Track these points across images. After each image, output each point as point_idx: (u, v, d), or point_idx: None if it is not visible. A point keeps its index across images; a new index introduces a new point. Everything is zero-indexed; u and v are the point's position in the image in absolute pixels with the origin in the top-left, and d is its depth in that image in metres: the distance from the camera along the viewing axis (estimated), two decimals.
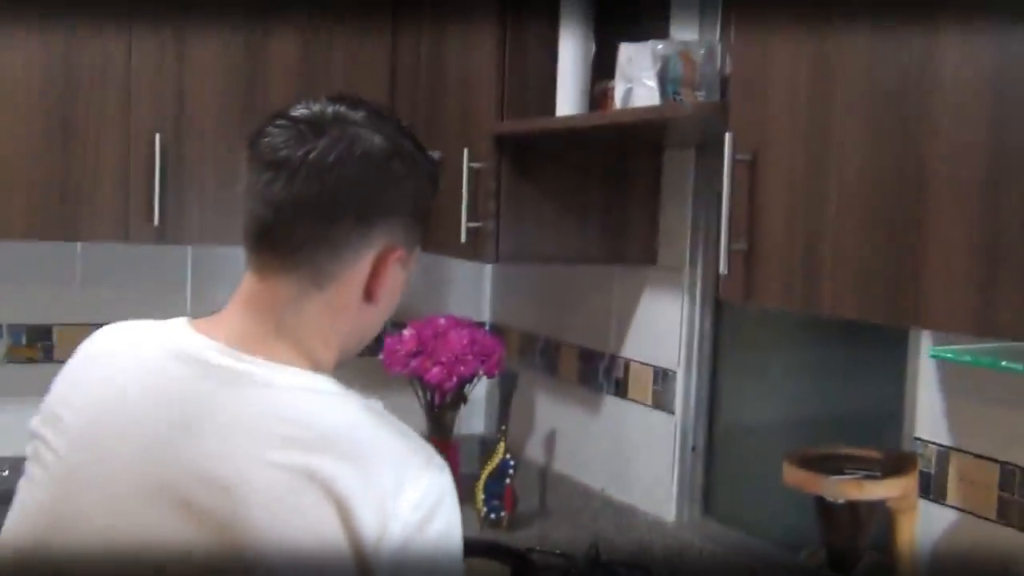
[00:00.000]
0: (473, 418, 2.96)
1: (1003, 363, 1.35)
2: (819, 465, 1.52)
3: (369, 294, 1.15)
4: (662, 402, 2.29)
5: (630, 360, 2.40)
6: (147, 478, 1.06)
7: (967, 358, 1.40)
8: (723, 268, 1.46)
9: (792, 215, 1.39)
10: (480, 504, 2.51)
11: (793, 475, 1.52)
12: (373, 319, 1.20)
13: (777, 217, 1.41)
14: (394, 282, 1.18)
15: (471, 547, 2.09)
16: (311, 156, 1.10)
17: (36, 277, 2.51)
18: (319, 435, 1.05)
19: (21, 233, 2.15)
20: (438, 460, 1.09)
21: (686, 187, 2.23)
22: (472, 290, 2.99)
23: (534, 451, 2.74)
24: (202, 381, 1.10)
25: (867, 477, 1.48)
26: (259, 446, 1.04)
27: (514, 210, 2.16)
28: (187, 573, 1.03)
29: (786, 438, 2.15)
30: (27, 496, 1.15)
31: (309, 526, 1.01)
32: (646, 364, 2.35)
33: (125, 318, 1.22)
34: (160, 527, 1.04)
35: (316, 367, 1.14)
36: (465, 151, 2.16)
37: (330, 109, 1.13)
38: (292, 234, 1.11)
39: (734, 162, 1.44)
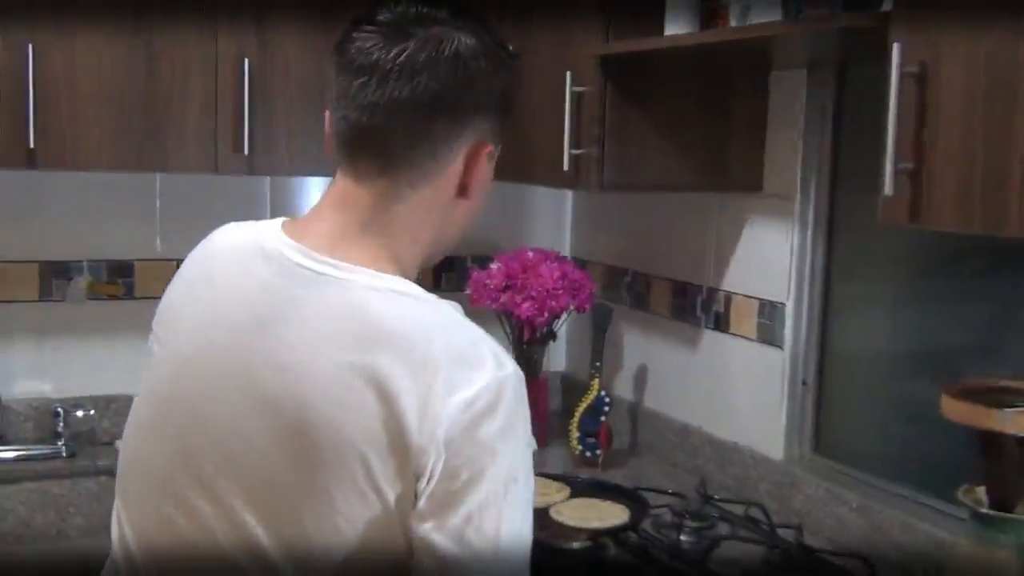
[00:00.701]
0: (557, 355, 2.89)
1: None
2: (981, 398, 1.44)
3: (463, 189, 1.17)
4: (769, 336, 2.21)
5: (731, 293, 2.32)
6: (234, 368, 1.12)
7: None
8: (887, 188, 1.36)
9: (971, 130, 1.29)
10: (575, 442, 2.44)
11: (954, 409, 1.44)
12: (464, 216, 1.21)
13: (953, 132, 1.31)
14: (485, 177, 1.19)
15: (580, 486, 2.02)
16: (401, 58, 1.11)
17: (116, 212, 2.44)
18: (381, 334, 1.07)
19: (108, 164, 2.07)
20: (503, 359, 1.09)
21: (796, 110, 2.12)
22: (552, 222, 2.90)
23: (623, 388, 2.66)
24: (281, 279, 1.13)
25: None
26: (327, 343, 1.08)
27: (619, 136, 2.06)
28: (261, 460, 1.09)
29: (902, 371, 2.07)
30: (147, 387, 1.22)
31: (359, 420, 1.05)
32: (750, 297, 2.26)
33: None
34: (242, 412, 1.10)
35: (399, 265, 1.15)
36: (568, 74, 2.06)
37: (413, 10, 1.13)
38: (389, 136, 1.13)
39: (901, 74, 1.34)
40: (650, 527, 2.01)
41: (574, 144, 2.06)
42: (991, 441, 1.42)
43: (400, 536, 1.07)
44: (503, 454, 1.06)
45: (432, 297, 1.13)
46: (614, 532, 1.89)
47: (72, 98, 2.04)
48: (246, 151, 2.13)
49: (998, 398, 1.44)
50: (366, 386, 1.05)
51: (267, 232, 1.19)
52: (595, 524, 1.87)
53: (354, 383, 1.05)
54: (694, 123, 2.13)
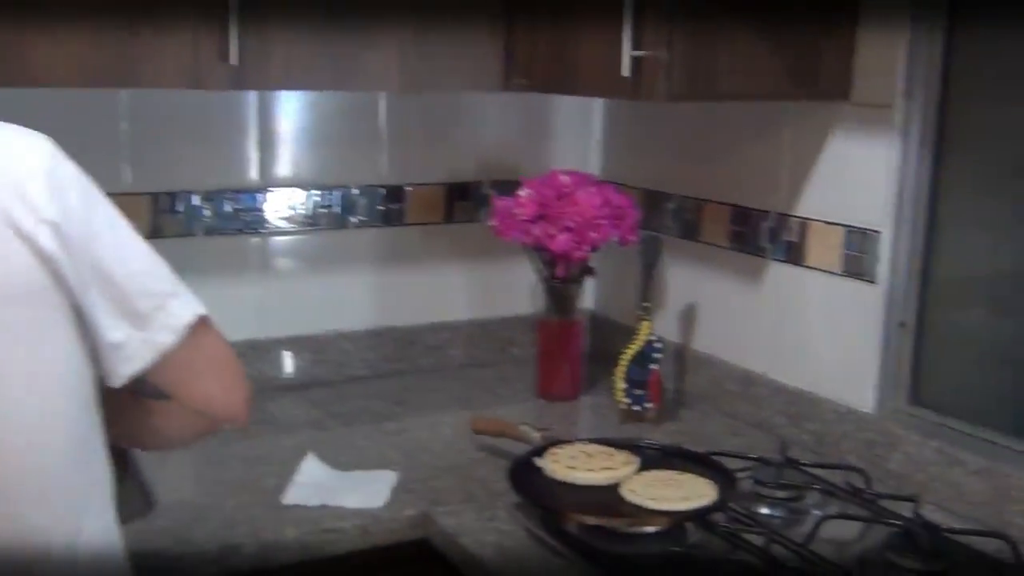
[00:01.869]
0: (585, 294, 2.55)
1: None
2: None
3: None
4: (858, 269, 1.88)
5: (809, 219, 1.98)
6: None
7: None
8: None
9: None
10: (620, 395, 2.12)
11: None
12: None
13: None
14: None
15: (646, 455, 1.68)
16: None
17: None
18: None
19: (72, 79, 1.67)
20: (37, 140, 1.11)
21: (900, 2, 1.77)
22: (577, 143, 2.54)
23: (667, 330, 2.33)
24: None
25: None
26: None
27: (690, 35, 1.70)
28: None
29: (1018, 312, 1.75)
30: None
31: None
32: (833, 224, 1.93)
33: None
34: None
35: None
36: None
37: None
38: None
39: None
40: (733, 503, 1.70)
41: (636, 44, 1.70)
42: None
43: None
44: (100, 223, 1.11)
45: None
46: (703, 513, 1.57)
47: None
48: (234, 61, 1.74)
49: None
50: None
51: None
52: (680, 505, 1.55)
53: None
54: (778, 17, 1.77)
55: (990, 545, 1.54)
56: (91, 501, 1.15)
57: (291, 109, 2.25)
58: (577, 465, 1.66)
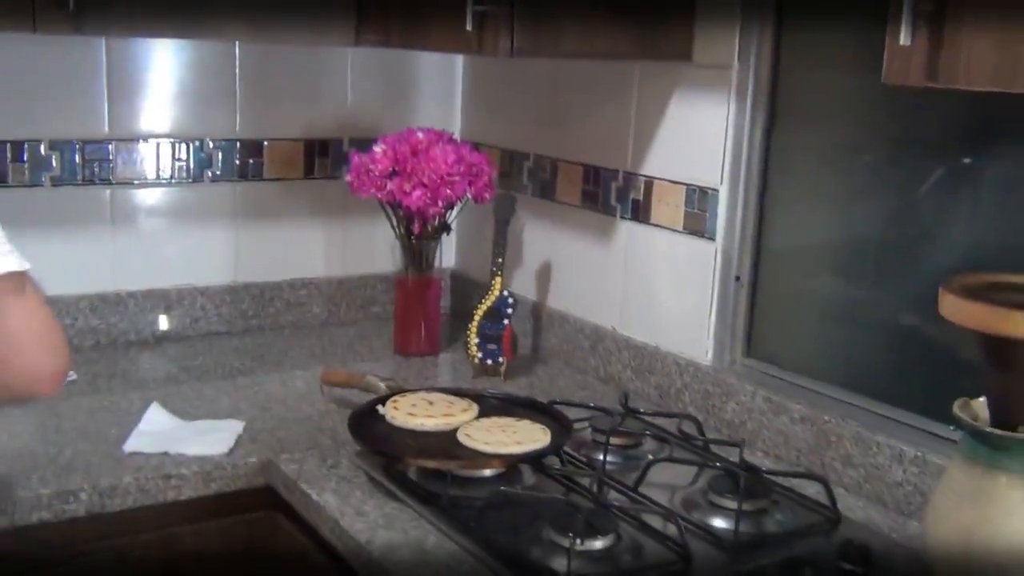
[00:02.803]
0: (445, 251, 2.58)
1: None
2: (992, 297, 1.20)
3: None
4: (697, 226, 1.95)
5: (653, 178, 2.04)
6: None
7: None
8: (904, 37, 1.08)
9: None
10: (474, 349, 2.15)
11: (960, 308, 1.20)
12: None
13: None
14: None
15: (490, 403, 1.73)
16: None
17: None
18: None
19: None
20: None
21: None
22: (439, 101, 2.56)
23: (524, 287, 2.38)
24: None
25: None
26: None
27: None
28: None
29: (847, 267, 1.84)
30: None
31: None
32: (676, 182, 1.99)
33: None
34: None
35: None
36: None
37: None
38: None
39: None
40: (571, 447, 1.75)
41: (478, 0, 1.73)
42: (1003, 348, 1.19)
43: None
44: None
45: None
46: (534, 457, 1.62)
47: None
48: (70, 5, 1.72)
49: (1008, 297, 1.21)
50: None
51: None
52: (513, 448, 1.60)
53: None
54: None
55: (810, 488, 1.62)
56: None
57: (143, 59, 2.22)
58: (417, 412, 1.69)
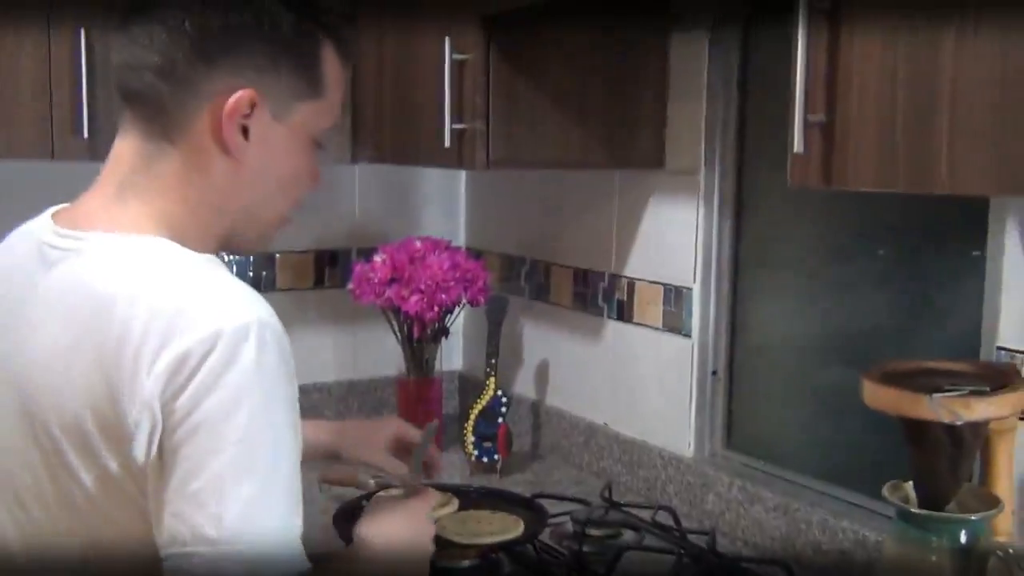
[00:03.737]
0: (452, 354, 2.69)
1: None
2: (906, 382, 1.27)
3: (225, 145, 1.06)
4: (675, 324, 2.04)
5: (635, 279, 2.14)
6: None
7: None
8: (797, 145, 1.19)
9: (892, 73, 1.12)
10: (470, 448, 2.24)
11: (878, 394, 1.27)
12: (246, 181, 1.10)
13: (870, 80, 1.14)
14: (270, 138, 1.09)
15: (472, 496, 1.80)
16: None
17: None
18: (102, 303, 0.99)
19: None
20: (233, 307, 0.98)
21: (699, 79, 1.95)
22: (444, 211, 2.69)
23: (524, 386, 2.47)
24: (30, 262, 1.08)
25: (973, 393, 1.23)
26: (57, 325, 1.02)
27: (506, 108, 1.86)
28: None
29: (818, 360, 1.91)
30: None
31: (83, 399, 0.98)
32: (654, 282, 2.09)
33: None
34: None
35: (167, 227, 1.06)
36: (446, 40, 1.85)
37: None
38: (134, 80, 1.07)
39: (810, 13, 1.17)
40: (549, 538, 1.82)
41: (456, 118, 1.86)
42: (919, 430, 1.26)
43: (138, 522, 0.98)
44: (232, 415, 0.94)
45: (179, 249, 1.05)
46: (508, 546, 1.69)
47: None
48: (85, 135, 1.89)
49: (925, 382, 1.28)
50: (91, 363, 0.98)
51: (39, 218, 1.14)
52: (486, 539, 1.67)
53: (78, 363, 0.98)
54: (589, 93, 1.94)
55: (771, 571, 1.67)
56: None
57: None
58: None
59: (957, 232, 1.60)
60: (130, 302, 0.98)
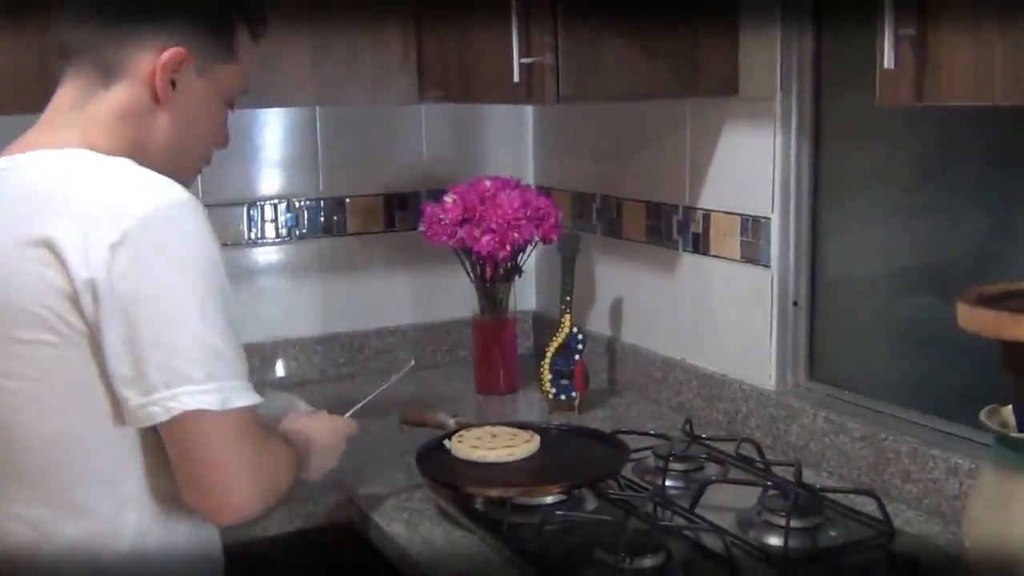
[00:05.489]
0: (526, 293, 2.68)
1: None
2: (1003, 304, 1.23)
3: (155, 93, 1.26)
4: (753, 255, 2.00)
5: (710, 210, 2.10)
6: None
7: None
8: (888, 61, 1.14)
9: None
10: (547, 386, 2.23)
11: (975, 317, 1.23)
12: (168, 127, 1.29)
13: None
14: (193, 92, 1.29)
15: (548, 433, 1.80)
16: None
17: None
18: (48, 200, 1.18)
19: None
20: (157, 195, 1.17)
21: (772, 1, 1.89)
22: (512, 151, 2.67)
23: (599, 324, 2.45)
24: None
25: None
26: (6, 230, 1.19)
27: (574, 41, 1.83)
28: None
29: (902, 287, 1.86)
30: None
31: (34, 283, 1.16)
32: (731, 213, 2.05)
33: None
34: None
35: (89, 146, 1.23)
36: None
37: None
38: (76, 35, 1.27)
39: None
40: (632, 473, 1.81)
41: (524, 53, 1.83)
42: (1018, 353, 1.22)
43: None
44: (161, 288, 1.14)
45: (99, 156, 1.22)
46: (592, 482, 1.69)
47: None
48: None
49: (1015, 301, 1.24)
50: (43, 257, 1.14)
51: None
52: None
53: (31, 257, 1.15)
54: (657, 21, 1.89)
55: (869, 504, 1.65)
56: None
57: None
58: (480, 445, 1.77)
59: None
60: (64, 198, 1.17)
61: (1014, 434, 1.26)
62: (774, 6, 1.88)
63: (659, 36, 1.89)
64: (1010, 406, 1.29)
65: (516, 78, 1.83)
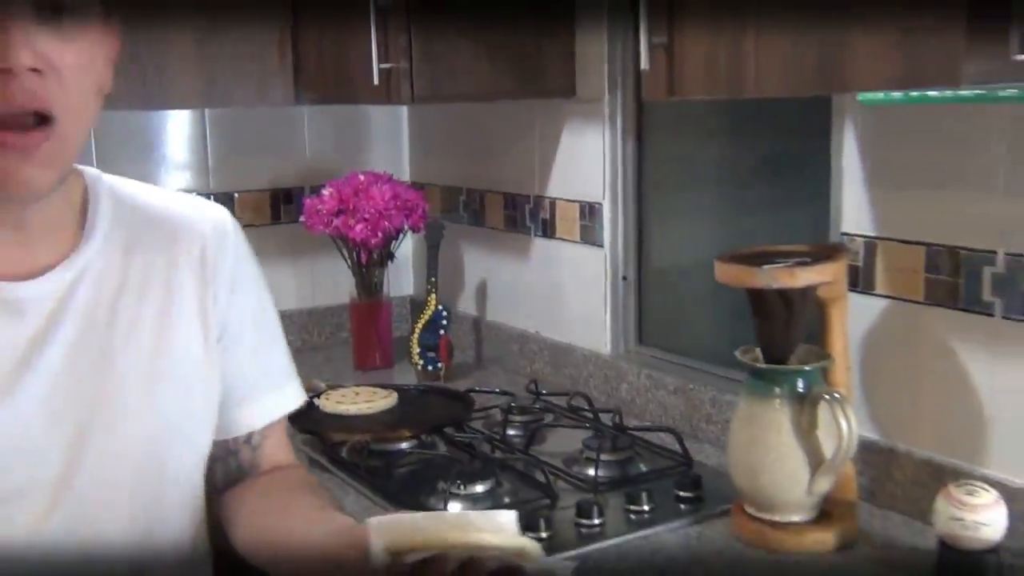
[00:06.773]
0: (402, 280, 2.94)
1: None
2: (749, 260, 1.53)
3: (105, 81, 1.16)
4: (590, 236, 2.29)
5: (556, 199, 2.39)
6: None
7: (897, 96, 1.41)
8: (644, 63, 1.43)
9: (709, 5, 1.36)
10: (416, 358, 2.50)
11: (724, 272, 1.52)
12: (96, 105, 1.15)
13: (701, 6, 1.38)
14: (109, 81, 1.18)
15: (408, 392, 2.06)
16: None
17: None
18: None
19: None
20: None
21: (601, 12, 2.18)
22: (389, 148, 2.93)
23: (466, 304, 2.73)
24: None
25: (797, 264, 1.48)
26: None
27: (426, 47, 2.10)
28: None
29: (710, 262, 2.16)
30: None
31: None
32: (571, 201, 2.34)
33: None
34: None
35: None
36: None
37: None
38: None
39: None
40: (481, 426, 2.08)
41: (383, 58, 2.09)
42: (758, 298, 1.51)
43: None
44: None
45: None
46: (439, 428, 1.95)
47: None
48: None
49: (767, 260, 1.53)
50: None
51: None
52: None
53: None
54: (504, 31, 2.17)
55: (663, 436, 1.94)
56: None
57: (123, 127, 2.60)
58: (344, 401, 2.03)
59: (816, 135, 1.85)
60: None
61: (759, 364, 1.55)
62: (603, 14, 2.17)
63: (504, 42, 2.17)
64: (759, 345, 1.59)
65: (376, 81, 2.09)
